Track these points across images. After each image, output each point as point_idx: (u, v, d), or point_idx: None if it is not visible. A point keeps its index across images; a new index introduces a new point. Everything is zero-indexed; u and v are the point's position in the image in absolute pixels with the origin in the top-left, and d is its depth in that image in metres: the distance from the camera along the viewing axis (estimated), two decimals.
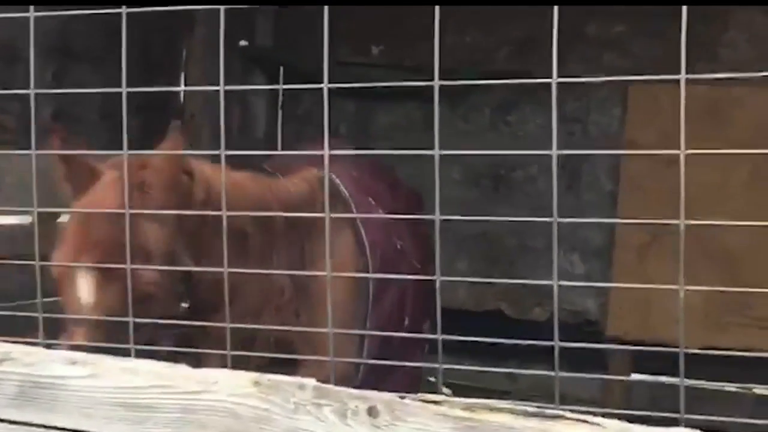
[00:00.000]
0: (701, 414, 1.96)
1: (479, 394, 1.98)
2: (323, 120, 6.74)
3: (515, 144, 6.79)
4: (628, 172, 6.38)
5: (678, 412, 2.04)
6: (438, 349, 2.09)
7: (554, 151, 1.92)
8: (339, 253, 3.98)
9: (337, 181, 4.29)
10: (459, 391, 2.35)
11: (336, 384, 2.00)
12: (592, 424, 1.83)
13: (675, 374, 6.19)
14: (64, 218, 5.39)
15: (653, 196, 6.17)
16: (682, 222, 1.87)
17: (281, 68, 7.36)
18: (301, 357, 2.77)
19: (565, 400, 2.01)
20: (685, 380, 2.10)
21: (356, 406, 1.97)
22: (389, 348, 4.15)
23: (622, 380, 6.39)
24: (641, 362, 6.44)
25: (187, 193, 3.39)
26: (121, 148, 2.96)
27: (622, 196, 6.40)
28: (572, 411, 1.86)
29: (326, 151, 2.10)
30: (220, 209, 3.49)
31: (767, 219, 5.57)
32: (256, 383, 2.06)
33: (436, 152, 1.99)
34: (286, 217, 3.71)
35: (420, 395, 1.97)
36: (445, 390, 4.95)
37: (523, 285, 6.75)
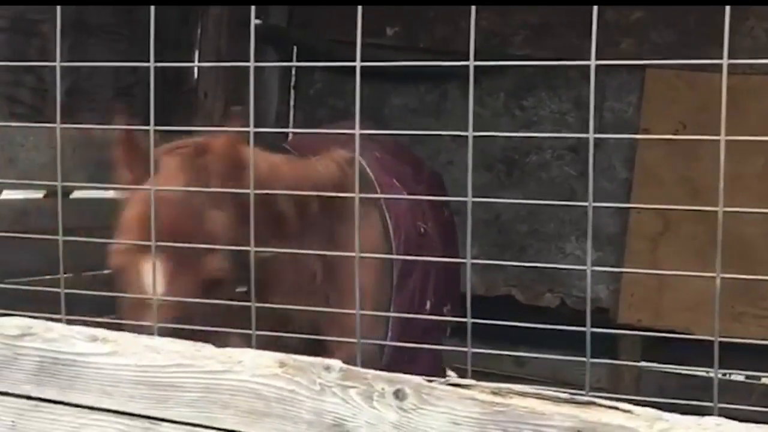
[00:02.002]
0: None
1: (485, 379, 1.95)
2: (336, 100, 6.70)
3: (530, 129, 6.76)
4: (643, 160, 6.34)
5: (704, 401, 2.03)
6: (467, 332, 2.06)
7: (591, 135, 1.89)
8: (366, 237, 3.95)
9: (364, 162, 4.24)
10: (464, 374, 2.30)
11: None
12: (624, 411, 1.81)
13: (681, 362, 6.11)
14: (77, 194, 5.39)
15: (667, 184, 6.15)
16: (720, 210, 1.84)
17: (294, 48, 7.33)
18: (325, 338, 2.75)
19: (563, 386, 1.98)
20: (715, 370, 2.07)
21: (383, 389, 1.94)
22: (411, 334, 4.13)
23: (632, 367, 6.38)
24: (650, 349, 6.42)
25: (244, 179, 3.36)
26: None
27: (637, 184, 6.36)
28: (604, 398, 1.83)
29: (357, 131, 2.06)
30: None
31: None
32: (282, 364, 2.03)
33: (470, 133, 1.95)
34: (319, 201, 3.68)
35: (448, 379, 1.94)
36: (450, 373, 4.94)
37: (535, 270, 6.72)
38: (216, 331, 2.39)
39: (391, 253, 4.12)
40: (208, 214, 3.18)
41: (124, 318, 2.72)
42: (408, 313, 4.13)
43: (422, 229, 4.58)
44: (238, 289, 3.07)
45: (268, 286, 3.35)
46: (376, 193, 4.18)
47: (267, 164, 3.51)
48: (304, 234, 3.67)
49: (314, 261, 3.77)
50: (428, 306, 4.49)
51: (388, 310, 4.06)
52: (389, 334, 4.01)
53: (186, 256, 3.01)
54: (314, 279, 3.79)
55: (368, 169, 4.27)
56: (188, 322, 2.67)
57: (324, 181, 3.77)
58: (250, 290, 2.30)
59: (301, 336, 2.55)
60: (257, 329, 2.27)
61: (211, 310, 2.90)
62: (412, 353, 4.12)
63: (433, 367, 4.33)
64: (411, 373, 1.95)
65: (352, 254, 2.13)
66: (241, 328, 2.36)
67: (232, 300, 2.94)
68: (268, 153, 3.62)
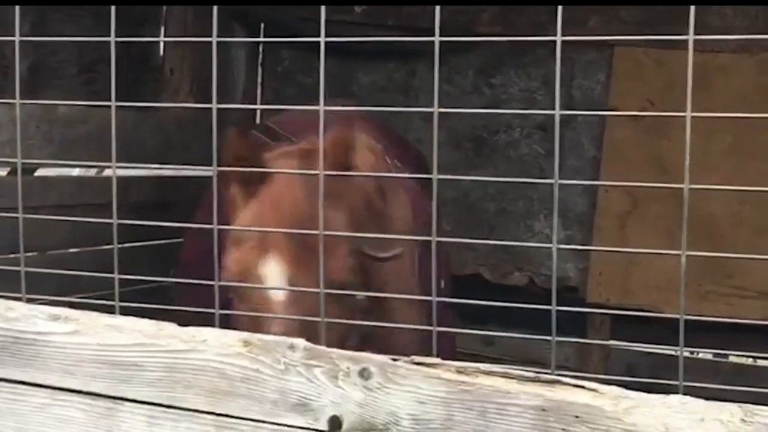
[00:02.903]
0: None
1: (453, 358, 1.94)
2: (304, 78, 6.62)
3: (498, 108, 6.74)
4: (612, 138, 6.34)
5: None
6: (433, 311, 2.05)
7: (557, 111, 1.88)
8: (405, 223, 3.85)
9: (380, 146, 4.16)
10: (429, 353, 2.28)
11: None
12: (590, 390, 1.80)
13: (650, 341, 6.13)
14: (41, 172, 5.33)
15: (636, 162, 6.17)
16: (686, 187, 1.83)
17: (262, 25, 7.27)
18: (292, 317, 2.72)
19: (532, 365, 1.98)
20: (677, 349, 2.06)
21: (348, 368, 1.93)
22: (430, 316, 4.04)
23: (600, 346, 6.40)
24: (618, 328, 6.44)
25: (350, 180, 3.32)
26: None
27: (605, 162, 6.36)
28: (570, 377, 1.83)
29: (321, 107, 2.04)
30: None
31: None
32: (246, 343, 2.02)
33: (435, 109, 1.93)
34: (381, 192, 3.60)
35: (413, 357, 1.93)
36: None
37: (504, 249, 6.72)
38: None
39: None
40: (326, 215, 3.14)
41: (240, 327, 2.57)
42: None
43: (428, 210, 4.54)
44: (358, 297, 3.03)
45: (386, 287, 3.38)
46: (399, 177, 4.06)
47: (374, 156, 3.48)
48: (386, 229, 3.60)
49: (408, 259, 3.69)
50: (443, 285, 4.41)
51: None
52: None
53: (308, 260, 2.90)
54: (412, 278, 3.71)
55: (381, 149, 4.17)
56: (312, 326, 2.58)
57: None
58: (215, 267, 2.27)
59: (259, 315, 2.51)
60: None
61: (337, 314, 2.76)
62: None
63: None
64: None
65: (316, 232, 2.11)
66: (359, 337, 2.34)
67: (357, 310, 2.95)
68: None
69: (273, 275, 3.03)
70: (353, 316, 2.82)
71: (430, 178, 2.02)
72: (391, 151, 4.50)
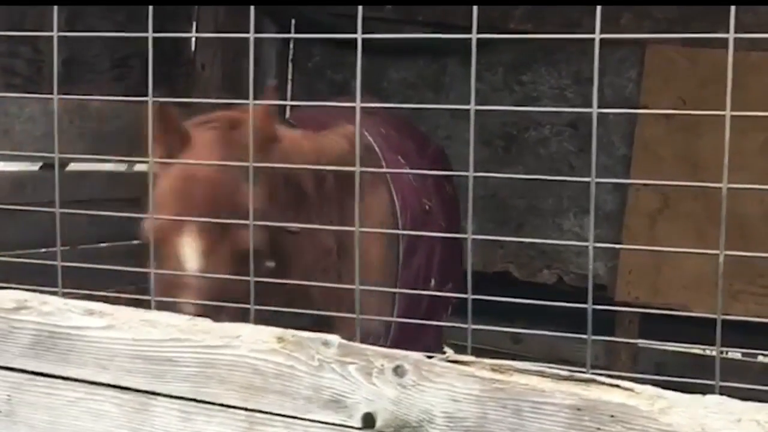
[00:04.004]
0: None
1: (481, 356, 1.94)
2: (334, 74, 6.63)
3: (528, 105, 6.73)
4: (643, 136, 6.32)
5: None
6: (468, 309, 2.04)
7: (594, 110, 1.87)
8: (376, 213, 3.94)
9: (369, 139, 4.22)
10: (460, 351, 2.28)
11: None
12: (625, 389, 1.79)
13: (676, 340, 6.09)
14: (73, 167, 5.36)
15: (666, 160, 6.14)
16: (724, 186, 1.82)
17: (293, 21, 7.28)
18: (326, 314, 2.73)
19: (560, 363, 1.97)
20: (710, 349, 2.05)
21: (382, 365, 1.93)
22: (416, 313, 4.10)
23: (629, 344, 6.37)
24: (647, 327, 6.41)
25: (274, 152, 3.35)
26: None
27: (636, 161, 6.34)
28: (604, 375, 1.82)
29: (357, 104, 2.04)
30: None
31: None
32: (280, 339, 2.02)
33: (472, 107, 1.93)
34: (334, 176, 3.67)
35: (447, 355, 1.93)
36: (447, 350, 4.92)
37: (533, 247, 6.72)
38: (246, 309, 2.34)
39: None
40: (241, 187, 3.15)
41: (157, 295, 2.65)
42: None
43: (427, 207, 4.57)
44: (267, 263, 3.10)
45: (290, 261, 3.40)
46: (384, 168, 4.17)
47: (289, 139, 3.53)
48: (322, 209, 3.68)
49: (328, 237, 3.76)
50: (432, 284, 4.47)
51: (394, 288, 4.05)
52: (395, 313, 3.99)
53: (221, 230, 3.06)
54: (329, 255, 3.78)
55: (375, 145, 4.24)
56: (224, 298, 2.67)
57: (335, 157, 3.74)
58: (250, 263, 2.28)
59: (299, 311, 2.52)
60: (274, 305, 2.25)
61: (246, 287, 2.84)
62: (416, 334, 4.10)
63: (434, 348, 4.32)
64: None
65: (352, 228, 2.10)
66: (273, 304, 2.37)
67: (262, 275, 2.96)
68: (287, 128, 3.64)
69: (186, 244, 3.14)
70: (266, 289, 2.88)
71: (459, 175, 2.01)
72: (396, 147, 4.55)
